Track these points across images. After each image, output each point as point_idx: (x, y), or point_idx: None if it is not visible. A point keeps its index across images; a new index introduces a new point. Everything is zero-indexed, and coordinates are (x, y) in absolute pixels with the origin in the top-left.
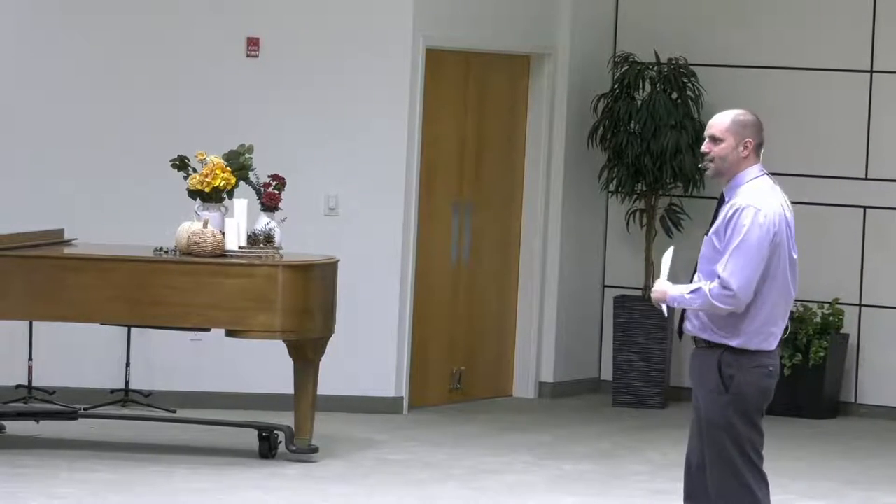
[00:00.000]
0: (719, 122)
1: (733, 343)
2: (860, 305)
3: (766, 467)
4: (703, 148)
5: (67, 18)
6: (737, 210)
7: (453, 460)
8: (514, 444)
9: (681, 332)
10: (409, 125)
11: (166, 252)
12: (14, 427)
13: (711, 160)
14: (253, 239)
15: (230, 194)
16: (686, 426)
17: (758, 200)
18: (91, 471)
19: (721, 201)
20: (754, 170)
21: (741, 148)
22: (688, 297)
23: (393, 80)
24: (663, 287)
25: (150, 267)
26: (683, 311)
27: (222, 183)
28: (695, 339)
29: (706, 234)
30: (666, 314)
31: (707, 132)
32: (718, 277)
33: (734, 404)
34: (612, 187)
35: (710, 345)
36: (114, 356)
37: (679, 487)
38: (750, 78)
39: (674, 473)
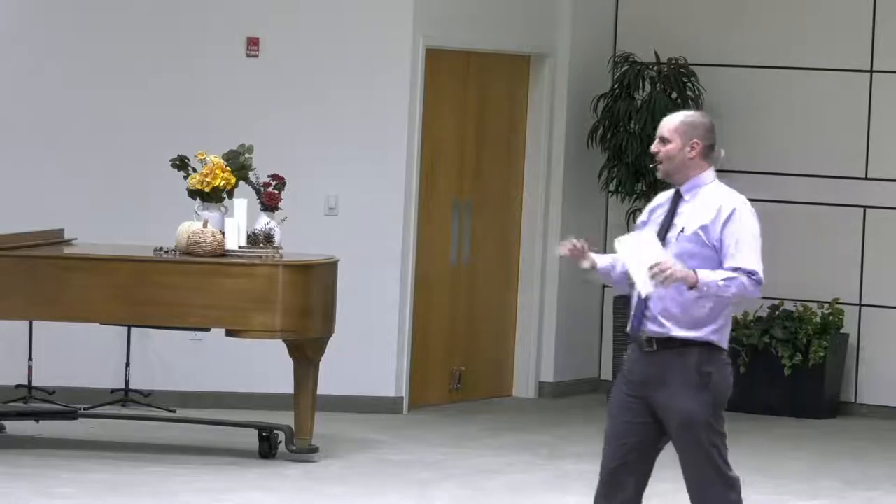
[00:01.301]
0: (668, 122)
1: (713, 338)
2: (860, 305)
3: (767, 467)
4: (653, 148)
5: (67, 18)
6: (734, 209)
7: (453, 460)
8: (514, 444)
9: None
10: (409, 125)
11: (166, 252)
12: (14, 427)
13: (660, 161)
14: (253, 239)
15: (230, 194)
16: None
17: (742, 198)
18: (91, 471)
19: (679, 198)
20: (711, 173)
21: (688, 149)
22: (722, 283)
23: (393, 80)
24: (687, 271)
25: (150, 267)
26: (640, 314)
27: (222, 183)
28: (660, 340)
29: (681, 231)
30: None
31: (659, 132)
32: (746, 271)
33: (713, 402)
34: (612, 187)
35: (686, 343)
36: (114, 356)
37: (680, 486)
38: (750, 78)
39: (674, 473)
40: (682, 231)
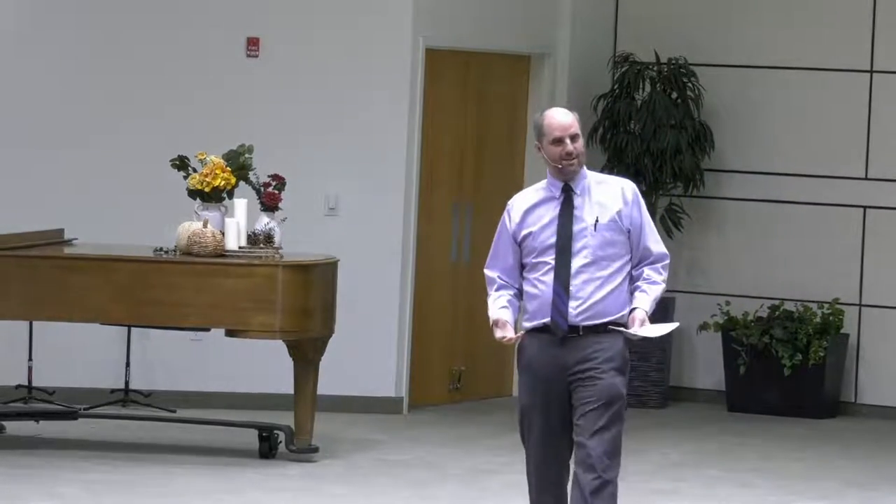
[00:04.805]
0: (569, 119)
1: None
2: (860, 305)
3: (766, 467)
4: (572, 148)
5: (66, 18)
6: (633, 191)
7: (453, 460)
8: (514, 444)
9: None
10: (409, 125)
11: (166, 252)
12: (14, 427)
13: (577, 157)
14: (253, 239)
15: (230, 194)
16: (685, 426)
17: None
18: (91, 471)
19: (570, 193)
20: None
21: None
22: (654, 292)
23: (393, 80)
24: (639, 314)
25: (150, 267)
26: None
27: (222, 183)
28: (608, 326)
29: (596, 222)
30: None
31: (567, 132)
32: (655, 254)
33: (626, 380)
34: None
35: (618, 326)
36: (114, 356)
37: (680, 487)
38: (750, 78)
39: (674, 473)
40: (597, 221)
